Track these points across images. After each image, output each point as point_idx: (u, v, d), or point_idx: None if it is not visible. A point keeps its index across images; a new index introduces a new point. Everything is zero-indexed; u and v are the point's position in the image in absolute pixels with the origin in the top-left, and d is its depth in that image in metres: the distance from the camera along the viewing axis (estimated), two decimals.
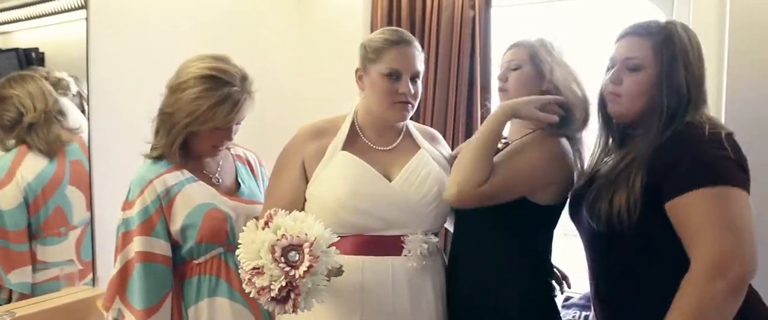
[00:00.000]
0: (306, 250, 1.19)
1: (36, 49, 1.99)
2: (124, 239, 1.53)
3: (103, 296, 1.56)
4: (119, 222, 1.55)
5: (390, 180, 1.53)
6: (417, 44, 1.56)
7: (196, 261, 1.59)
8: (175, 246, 1.58)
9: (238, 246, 1.28)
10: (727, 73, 2.14)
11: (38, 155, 1.93)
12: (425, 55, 1.60)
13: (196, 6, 2.58)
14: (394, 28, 1.61)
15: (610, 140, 1.53)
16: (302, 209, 1.57)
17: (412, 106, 1.56)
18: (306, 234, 1.22)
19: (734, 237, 1.18)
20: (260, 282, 1.20)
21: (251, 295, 1.26)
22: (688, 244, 1.24)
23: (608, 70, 1.46)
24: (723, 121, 2.12)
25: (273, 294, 1.18)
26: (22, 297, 1.88)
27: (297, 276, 1.18)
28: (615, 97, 1.42)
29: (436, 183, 1.55)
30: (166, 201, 1.54)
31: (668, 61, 1.34)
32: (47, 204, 1.95)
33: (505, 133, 1.64)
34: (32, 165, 1.92)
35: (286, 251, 1.20)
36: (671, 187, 1.25)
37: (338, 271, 1.36)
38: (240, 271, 1.28)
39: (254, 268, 1.21)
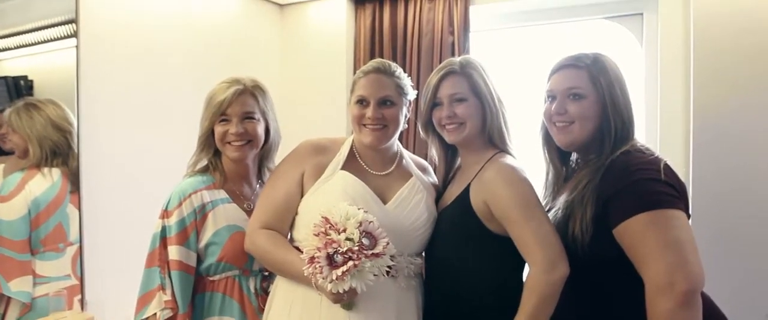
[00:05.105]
0: (382, 243, 1.36)
1: (25, 77, 2.04)
2: (163, 245, 1.59)
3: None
4: (158, 229, 1.60)
5: (384, 204, 1.58)
6: (396, 72, 1.61)
7: (210, 278, 1.64)
8: (197, 261, 1.63)
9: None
10: (693, 89, 2.25)
11: (47, 175, 2.04)
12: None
13: (183, 32, 2.64)
14: (379, 59, 1.66)
15: (558, 173, 1.62)
16: (292, 220, 1.61)
17: (387, 128, 1.59)
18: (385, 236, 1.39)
19: (675, 254, 1.26)
20: (334, 236, 1.33)
21: (307, 249, 1.35)
22: (638, 268, 1.32)
23: (547, 103, 1.55)
24: (691, 134, 2.25)
25: (340, 250, 1.31)
26: (23, 310, 1.93)
27: (366, 254, 1.33)
28: (565, 126, 1.50)
29: (425, 210, 1.61)
30: (200, 216, 1.61)
31: (607, 87, 1.45)
32: (49, 221, 2.03)
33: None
34: (40, 182, 2.02)
35: (366, 233, 1.35)
36: (615, 215, 1.33)
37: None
38: (317, 222, 1.37)
39: (335, 225, 1.34)
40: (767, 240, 2.12)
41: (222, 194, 1.67)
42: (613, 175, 1.37)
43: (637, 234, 1.30)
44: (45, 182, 2.03)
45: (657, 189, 1.30)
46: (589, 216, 1.37)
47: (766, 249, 2.12)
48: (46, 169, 2.03)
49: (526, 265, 1.47)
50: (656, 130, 2.42)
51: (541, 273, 1.38)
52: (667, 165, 1.35)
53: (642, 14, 2.55)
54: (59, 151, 2.07)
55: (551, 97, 1.54)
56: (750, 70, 2.15)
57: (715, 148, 2.20)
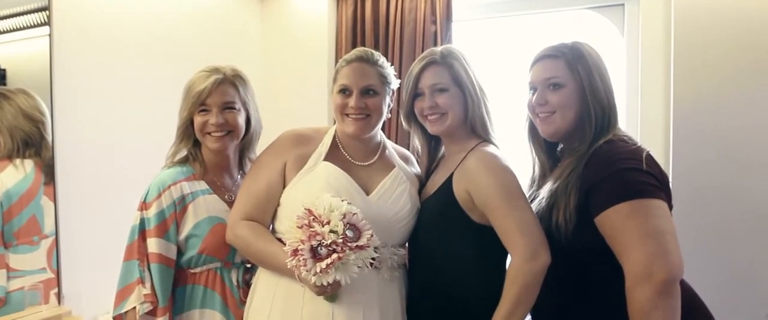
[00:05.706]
0: (366, 235, 1.36)
1: None
2: (142, 237, 1.57)
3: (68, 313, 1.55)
4: (136, 222, 1.57)
5: (367, 195, 1.57)
6: (378, 61, 1.60)
7: (191, 271, 1.62)
8: (177, 253, 1.61)
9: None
10: (673, 81, 2.27)
11: (19, 166, 1.99)
12: None
13: (160, 19, 2.59)
14: (362, 48, 1.64)
15: (544, 165, 1.62)
16: (274, 210, 1.60)
17: (370, 118, 1.58)
18: (369, 228, 1.38)
19: (655, 243, 1.26)
20: (318, 228, 1.32)
21: (290, 241, 1.34)
22: (619, 257, 1.33)
23: (529, 95, 1.56)
24: (671, 126, 2.27)
25: (324, 242, 1.31)
26: None
27: (350, 246, 1.33)
28: (547, 117, 1.50)
29: (408, 200, 1.60)
30: (180, 208, 1.59)
31: (586, 75, 1.45)
32: (22, 214, 1.99)
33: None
34: (11, 174, 1.98)
35: (350, 225, 1.35)
36: (596, 204, 1.34)
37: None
38: (300, 214, 1.36)
39: (318, 217, 1.33)
40: (746, 233, 2.15)
41: (202, 185, 1.64)
42: (596, 165, 1.37)
43: (617, 223, 1.30)
44: (17, 174, 1.98)
45: (639, 178, 1.31)
46: (572, 206, 1.38)
47: (745, 242, 2.15)
48: (18, 161, 1.99)
49: (508, 255, 1.47)
50: (636, 122, 2.44)
51: (522, 261, 1.38)
52: (649, 155, 1.36)
53: (623, 5, 2.56)
54: (31, 142, 2.02)
55: (533, 88, 1.54)
56: (730, 62, 2.17)
57: (695, 140, 2.22)
